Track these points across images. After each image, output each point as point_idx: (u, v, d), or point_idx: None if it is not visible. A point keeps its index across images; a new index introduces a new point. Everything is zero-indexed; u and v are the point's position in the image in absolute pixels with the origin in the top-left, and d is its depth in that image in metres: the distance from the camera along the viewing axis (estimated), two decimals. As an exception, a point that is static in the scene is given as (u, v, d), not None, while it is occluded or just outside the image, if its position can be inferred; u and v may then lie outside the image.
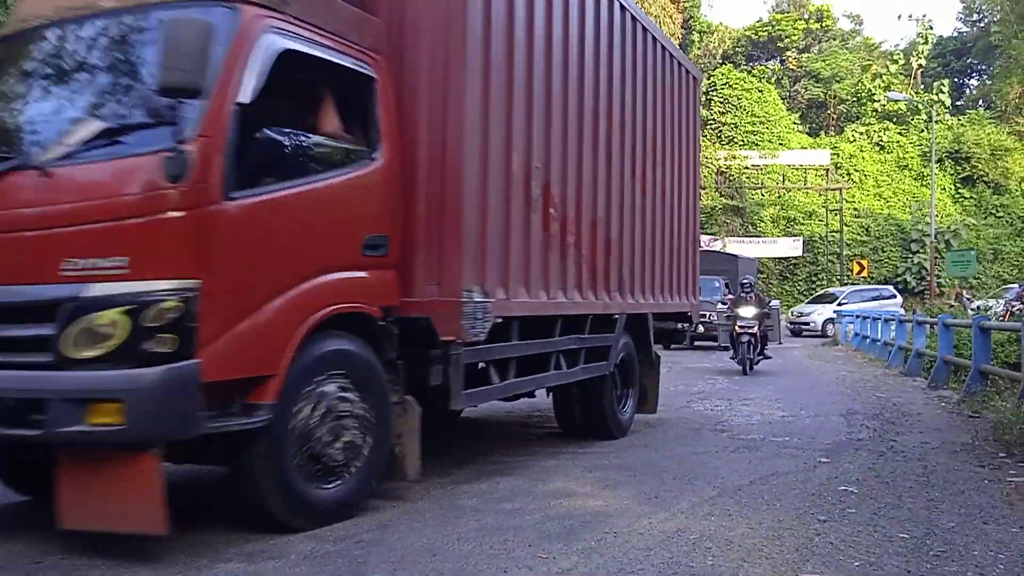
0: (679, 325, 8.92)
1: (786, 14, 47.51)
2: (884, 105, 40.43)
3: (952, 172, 38.80)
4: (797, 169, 38.27)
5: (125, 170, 3.60)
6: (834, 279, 34.55)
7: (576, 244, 6.08)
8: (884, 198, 38.63)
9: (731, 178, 37.71)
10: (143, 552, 3.56)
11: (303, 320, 3.95)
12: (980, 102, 47.88)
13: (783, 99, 42.24)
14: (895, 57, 43.86)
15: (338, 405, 4.11)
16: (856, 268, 33.15)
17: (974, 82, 52.37)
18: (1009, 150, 38.47)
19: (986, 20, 48.96)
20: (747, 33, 46.76)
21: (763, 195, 37.93)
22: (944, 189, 37.69)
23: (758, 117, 39.01)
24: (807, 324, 27.19)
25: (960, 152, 38.58)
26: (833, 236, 36.25)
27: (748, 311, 13.51)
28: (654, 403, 8.01)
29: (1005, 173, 38.34)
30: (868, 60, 44.31)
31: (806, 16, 47.17)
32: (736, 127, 38.72)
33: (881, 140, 40.21)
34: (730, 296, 16.98)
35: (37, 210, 3.66)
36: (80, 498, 3.53)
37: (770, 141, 38.56)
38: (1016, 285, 24.45)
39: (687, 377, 12.85)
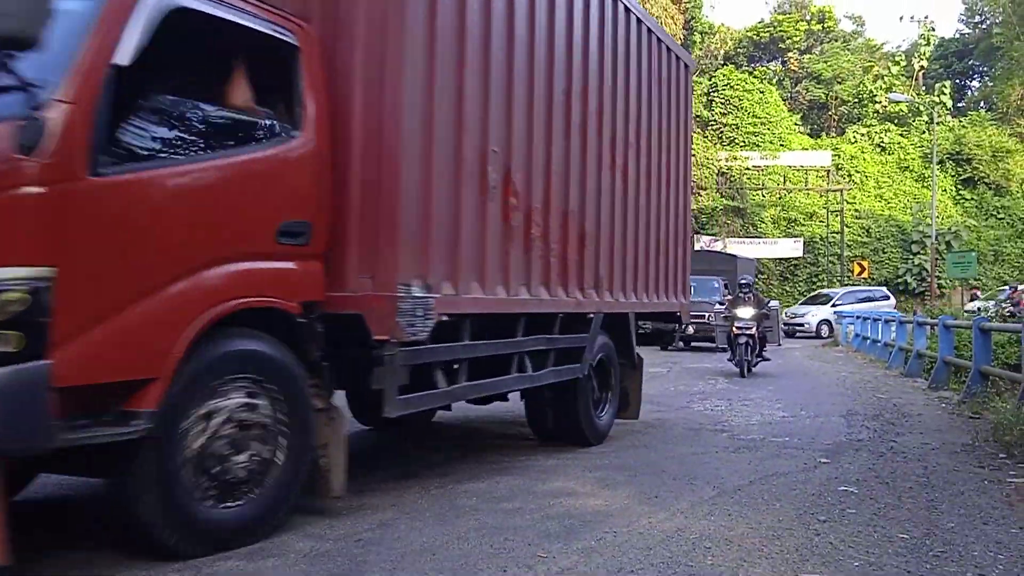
0: (674, 327, 8.75)
1: (788, 15, 47.55)
2: (885, 106, 40.47)
3: (953, 173, 38.82)
4: (798, 170, 38.28)
5: None
6: (835, 280, 34.54)
7: (543, 237, 5.65)
8: (885, 199, 38.62)
9: (732, 179, 37.70)
10: (142, 550, 3.56)
11: (195, 316, 3.47)
12: (982, 104, 47.91)
13: (784, 100, 42.26)
14: (897, 58, 43.86)
15: (243, 413, 3.65)
16: (857, 269, 33.17)
17: (976, 84, 52.40)
18: (1010, 152, 38.49)
19: (988, 22, 48.98)
20: (749, 34, 46.81)
21: (764, 196, 37.92)
22: (945, 190, 37.70)
23: (759, 118, 39.02)
24: (801, 325, 27.02)
25: (961, 153, 38.60)
26: (834, 237, 36.24)
27: (746, 312, 13.18)
28: (636, 408, 7.57)
29: (1006, 175, 38.35)
30: (870, 61, 44.33)
31: (808, 17, 47.21)
32: (737, 128, 38.73)
33: (882, 141, 40.22)
34: (729, 296, 16.89)
35: None
36: None
37: (771, 142, 38.58)
38: (1007, 287, 24.50)
39: (687, 377, 12.85)
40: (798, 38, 46.25)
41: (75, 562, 3.49)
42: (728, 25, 46.13)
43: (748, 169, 37.83)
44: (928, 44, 43.28)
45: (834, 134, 42.24)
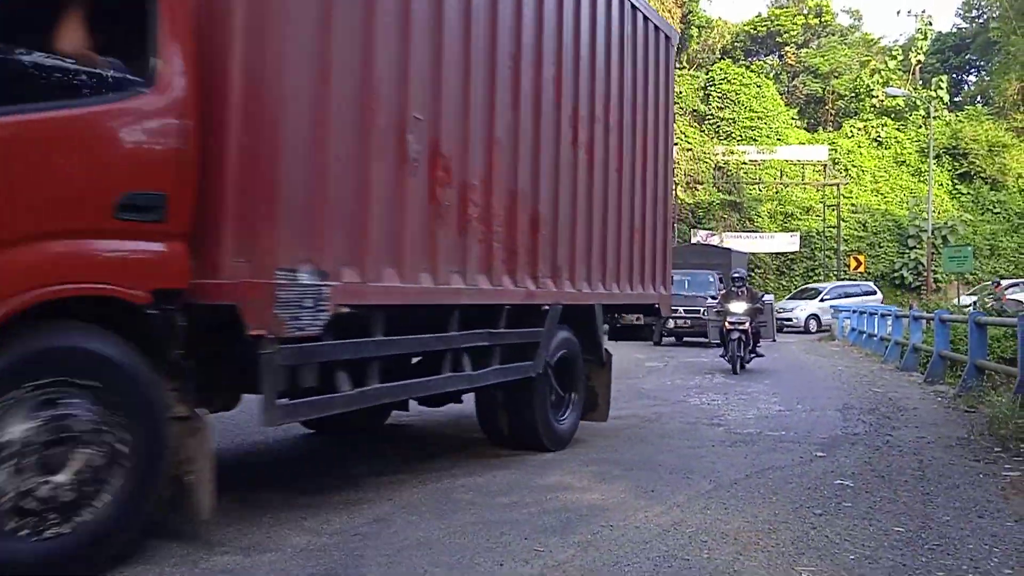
0: (653, 321, 8.22)
1: (785, 9, 47.53)
2: (882, 101, 40.49)
3: (949, 168, 38.87)
4: (795, 164, 38.31)
5: None
6: (831, 274, 34.59)
7: (484, 219, 5.05)
8: (881, 194, 38.68)
9: (729, 173, 37.72)
10: (139, 546, 3.56)
11: None
12: (978, 98, 47.96)
13: (781, 94, 42.27)
14: (894, 53, 43.87)
15: (57, 424, 3.01)
16: (853, 263, 33.23)
17: (972, 78, 52.46)
18: (1007, 146, 38.55)
19: (985, 16, 49.05)
20: (746, 28, 46.77)
21: (761, 190, 37.96)
22: (941, 185, 37.75)
23: (756, 112, 39.04)
24: (789, 320, 26.58)
25: (958, 148, 38.66)
26: (830, 231, 36.28)
27: (739, 306, 12.74)
28: (605, 410, 6.85)
29: (1002, 169, 38.42)
30: (867, 56, 44.32)
31: (805, 11, 47.17)
32: (734, 122, 38.76)
33: (879, 136, 40.27)
34: (723, 290, 16.70)
35: None
36: None
37: (768, 136, 38.61)
38: (990, 282, 24.61)
39: (684, 371, 12.86)
40: (795, 32, 46.23)
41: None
42: (725, 19, 46.12)
43: (745, 163, 37.86)
44: (925, 38, 43.29)
45: (831, 128, 42.27)
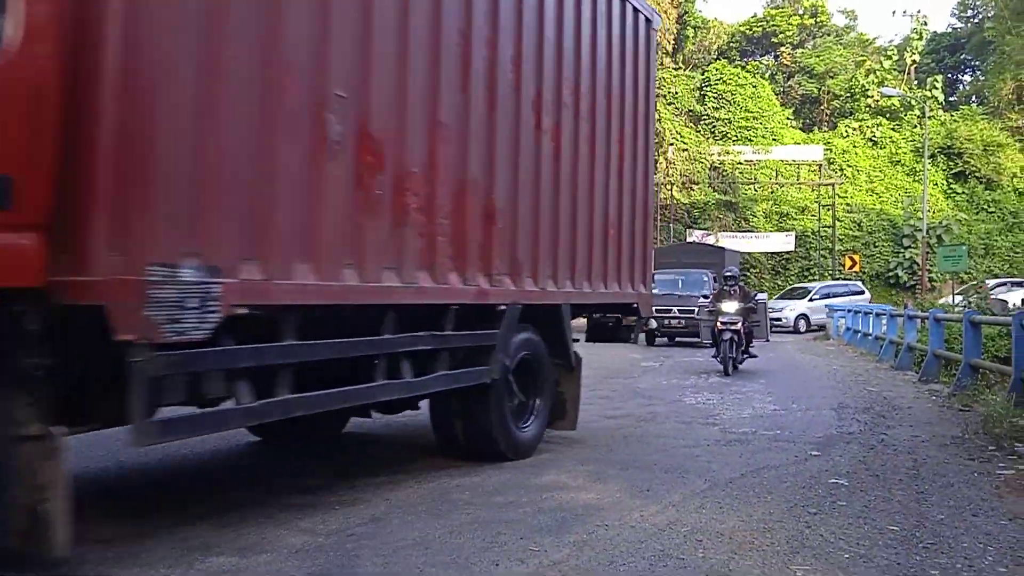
0: (642, 321, 7.44)
1: (780, 9, 47.61)
2: (877, 101, 40.59)
3: (944, 168, 38.98)
4: (790, 164, 38.38)
5: None
6: (826, 274, 34.67)
7: (426, 210, 4.58)
8: (876, 193, 38.77)
9: (724, 173, 37.79)
10: (134, 546, 3.56)
11: None
12: (973, 98, 48.08)
13: (777, 95, 42.35)
14: (889, 53, 43.98)
15: None
16: (848, 263, 33.29)
17: (967, 78, 52.58)
18: (1001, 146, 38.68)
19: (980, 16, 49.16)
20: (741, 28, 46.86)
21: (756, 190, 38.03)
22: (936, 184, 37.85)
23: (752, 112, 39.13)
24: (778, 320, 26.09)
25: (952, 148, 38.76)
26: (825, 231, 36.35)
27: (731, 306, 12.38)
28: (574, 417, 6.37)
29: (997, 169, 38.53)
30: (862, 56, 44.42)
31: (800, 12, 47.27)
32: (730, 122, 38.84)
33: (874, 136, 40.38)
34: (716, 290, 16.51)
35: None
36: None
37: (763, 136, 38.70)
38: (975, 281, 24.71)
39: (679, 371, 12.88)
40: (791, 32, 46.31)
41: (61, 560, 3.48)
42: (721, 20, 46.26)
43: (740, 163, 37.94)
44: (920, 38, 43.41)
45: (826, 128, 42.36)
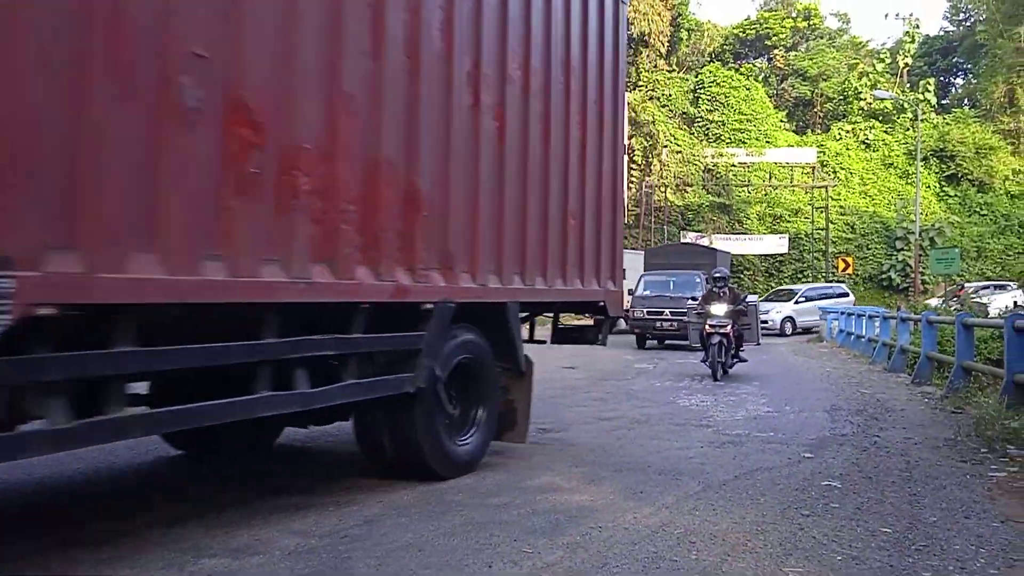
0: (610, 321, 6.85)
1: (774, 12, 47.81)
2: (870, 103, 40.80)
3: (937, 170, 39.19)
4: (783, 167, 38.55)
5: None
6: (819, 276, 34.80)
7: (324, 193, 3.94)
8: (869, 196, 38.95)
9: (718, 176, 37.91)
10: (126, 548, 3.55)
11: None
12: (965, 101, 48.36)
13: (770, 97, 42.54)
14: (882, 56, 44.20)
15: None
16: (841, 265, 33.45)
17: (959, 81, 52.88)
18: (993, 148, 38.92)
19: (972, 19, 49.43)
20: (735, 31, 47.03)
21: (750, 192, 38.17)
22: (929, 187, 38.05)
23: (745, 115, 39.29)
24: (765, 323, 25.23)
25: (945, 150, 38.98)
26: (819, 233, 36.50)
27: (720, 308, 11.87)
28: (524, 428, 5.83)
29: (989, 171, 38.76)
30: (855, 58, 44.64)
31: (794, 14, 47.47)
32: (723, 125, 39.00)
33: (867, 138, 40.57)
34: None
35: None
36: None
37: (757, 139, 38.86)
38: (955, 284, 24.85)
39: (673, 373, 12.89)
40: (784, 35, 46.50)
41: (56, 560, 3.47)
42: (715, 22, 46.41)
43: (734, 166, 38.09)
44: (913, 41, 43.65)
45: (819, 131, 42.55)
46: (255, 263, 3.59)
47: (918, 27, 44.43)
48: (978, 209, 38.59)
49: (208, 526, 3.96)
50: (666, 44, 39.59)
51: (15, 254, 2.71)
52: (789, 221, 37.67)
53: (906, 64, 43.06)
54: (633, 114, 35.38)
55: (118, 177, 3.03)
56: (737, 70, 42.35)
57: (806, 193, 38.25)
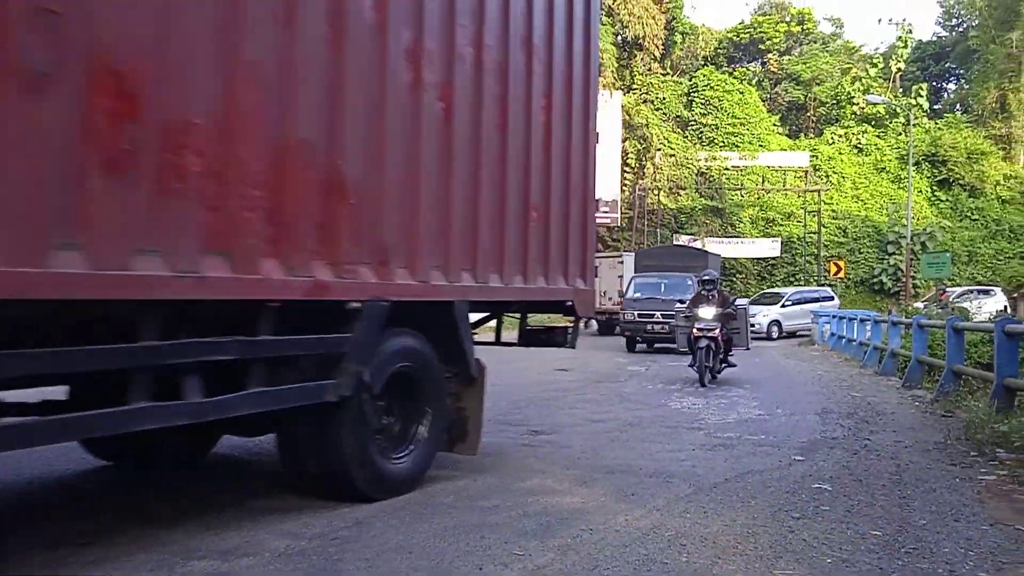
0: (579, 322, 6.43)
1: (768, 17, 47.99)
2: (863, 108, 41.01)
3: (929, 175, 39.39)
4: (776, 170, 38.66)
5: None
6: (811, 280, 34.91)
7: (220, 175, 3.47)
8: (861, 200, 39.11)
9: (711, 179, 38.00)
10: (115, 550, 3.53)
11: None
12: (957, 106, 48.63)
13: (763, 101, 42.69)
14: (875, 61, 44.40)
15: None
16: (833, 269, 33.55)
17: (952, 86, 53.18)
18: (985, 154, 39.15)
19: (965, 25, 49.68)
20: (729, 35, 47.19)
21: (743, 196, 38.28)
22: (921, 191, 38.24)
23: (738, 119, 39.41)
24: (752, 327, 25.80)
25: (937, 155, 39.19)
26: (811, 237, 36.60)
27: (708, 312, 11.44)
28: (476, 439, 5.33)
29: (981, 176, 38.98)
30: (848, 63, 44.83)
31: (787, 19, 47.66)
32: (717, 128, 39.12)
33: (859, 143, 40.76)
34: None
35: None
36: None
37: (750, 143, 38.99)
38: (939, 288, 24.97)
39: (664, 376, 12.91)
40: (777, 39, 46.69)
41: (46, 561, 3.45)
42: (709, 26, 46.50)
43: (727, 169, 38.19)
44: (905, 46, 43.90)
45: (812, 135, 42.71)
46: (126, 254, 3.09)
47: (911, 32, 44.74)
48: (969, 214, 38.79)
49: (197, 527, 3.95)
50: (660, 48, 39.66)
51: None
52: (781, 225, 37.79)
53: (899, 69, 43.29)
54: (627, 117, 35.45)
55: None
56: (731, 74, 42.50)
57: (799, 197, 38.37)
